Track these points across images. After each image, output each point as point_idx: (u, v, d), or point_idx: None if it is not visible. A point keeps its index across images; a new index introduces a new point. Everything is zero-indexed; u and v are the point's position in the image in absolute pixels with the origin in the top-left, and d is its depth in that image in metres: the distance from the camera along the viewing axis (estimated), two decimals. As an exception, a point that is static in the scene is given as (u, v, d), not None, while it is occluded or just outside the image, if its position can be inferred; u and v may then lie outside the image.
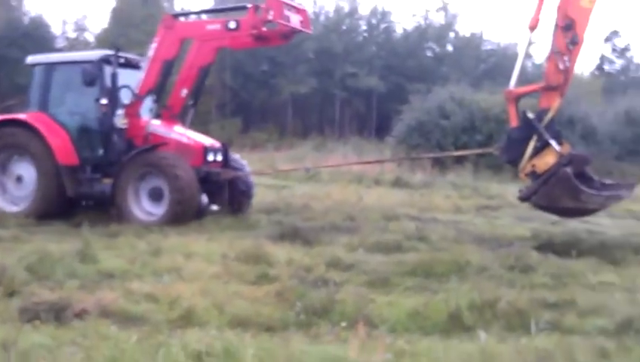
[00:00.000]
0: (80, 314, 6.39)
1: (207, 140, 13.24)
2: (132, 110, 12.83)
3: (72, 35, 57.83)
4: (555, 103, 10.91)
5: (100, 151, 13.01)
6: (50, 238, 10.52)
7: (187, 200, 11.87)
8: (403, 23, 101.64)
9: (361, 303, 6.95)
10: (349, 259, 9.27)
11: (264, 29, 12.37)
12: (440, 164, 24.69)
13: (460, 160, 24.98)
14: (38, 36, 51.71)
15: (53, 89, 13.35)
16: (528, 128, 10.95)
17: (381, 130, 48.82)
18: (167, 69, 12.82)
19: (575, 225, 13.32)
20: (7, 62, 47.27)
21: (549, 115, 10.90)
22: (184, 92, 13.18)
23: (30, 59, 13.92)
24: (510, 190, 17.67)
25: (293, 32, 12.62)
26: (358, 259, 9.42)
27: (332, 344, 5.85)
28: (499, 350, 5.47)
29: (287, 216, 13.72)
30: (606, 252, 10.51)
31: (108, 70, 12.79)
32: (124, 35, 48.67)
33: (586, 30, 10.78)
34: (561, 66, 10.70)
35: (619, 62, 55.39)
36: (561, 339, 5.81)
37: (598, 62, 52.70)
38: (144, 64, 12.89)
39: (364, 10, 69.31)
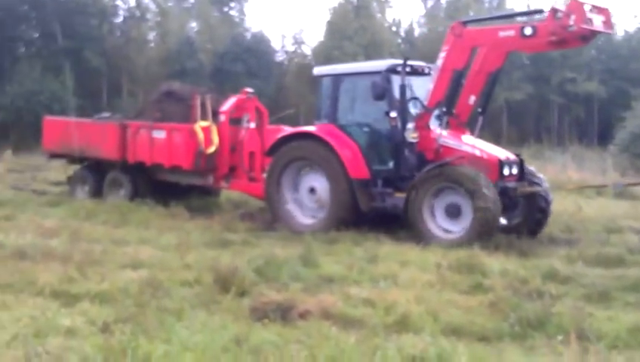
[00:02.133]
0: (304, 315, 6.87)
1: (501, 152, 12.34)
2: (421, 123, 12.36)
3: (291, 48, 60.56)
4: None
5: (391, 165, 12.57)
6: (275, 243, 11.26)
7: (491, 219, 11.09)
8: (625, 24, 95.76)
9: (578, 317, 6.79)
10: (567, 272, 9.08)
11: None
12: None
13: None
14: (259, 51, 54.61)
15: (341, 100, 13.15)
16: None
17: (603, 137, 46.38)
18: (457, 78, 12.19)
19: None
20: (231, 76, 50.47)
21: None
22: (472, 99, 12.43)
23: (317, 70, 13.89)
24: None
25: (594, 33, 11.60)
26: (576, 271, 9.19)
27: (546, 357, 5.84)
28: None
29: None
30: None
31: (396, 80, 12.33)
32: (338, 48, 50.21)
33: None
34: None
35: None
36: None
37: None
38: (433, 74, 12.40)
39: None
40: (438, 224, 11.64)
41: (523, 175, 12.30)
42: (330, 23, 55.01)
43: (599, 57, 60.40)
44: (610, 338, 6.44)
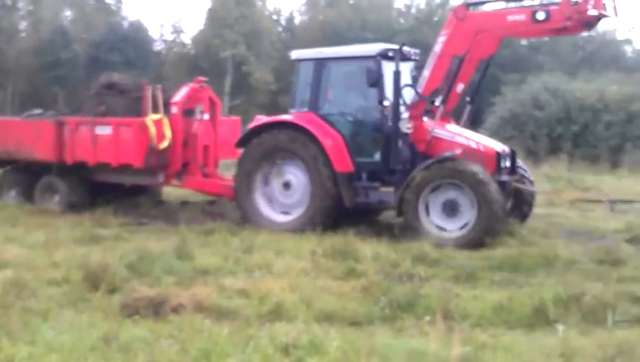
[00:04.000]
0: (176, 309, 6.78)
1: (496, 144, 11.80)
2: (416, 112, 11.61)
3: (170, 37, 59.36)
4: None
5: (377, 157, 11.76)
6: (150, 237, 11.02)
7: (499, 214, 10.56)
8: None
9: (445, 297, 7.07)
10: (436, 254, 9.40)
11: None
12: (533, 156, 24.28)
13: (554, 150, 24.46)
14: (137, 40, 53.27)
15: (323, 87, 12.17)
16: None
17: (473, 122, 48.03)
18: (457, 65, 11.46)
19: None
20: (108, 65, 49.05)
21: None
22: (460, 87, 11.77)
23: (296, 54, 12.79)
24: (607, 182, 17.28)
25: (599, 19, 11.05)
26: (445, 254, 9.53)
27: (415, 337, 6.02)
28: (580, 343, 5.52)
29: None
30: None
31: (387, 66, 11.60)
32: (219, 37, 49.69)
33: None
34: None
35: None
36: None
37: None
38: (430, 60, 11.62)
39: (455, 1, 68.11)
40: (432, 221, 10.98)
41: (515, 168, 11.94)
42: (210, 11, 54.26)
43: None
44: (475, 316, 6.72)
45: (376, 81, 11.33)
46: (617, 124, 26.34)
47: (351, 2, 55.62)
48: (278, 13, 61.82)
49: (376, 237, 10.38)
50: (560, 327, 5.97)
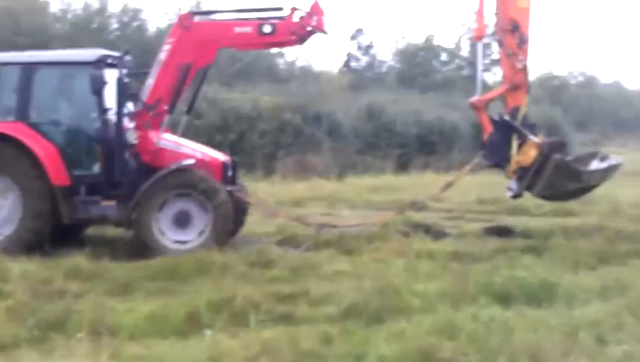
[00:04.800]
0: None
1: (219, 154, 11.82)
2: (140, 122, 11.19)
3: None
4: (523, 100, 11.76)
5: (96, 169, 11.10)
6: None
7: (228, 224, 10.80)
8: (156, 21, 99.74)
9: (98, 312, 6.91)
10: (91, 268, 9.11)
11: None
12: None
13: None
14: None
15: (33, 94, 11.11)
16: (506, 129, 11.64)
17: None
18: (184, 74, 11.25)
19: (318, 219, 13.98)
20: None
21: (522, 112, 11.71)
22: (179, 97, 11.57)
23: None
24: (260, 187, 18.19)
25: (311, 34, 11.48)
26: (101, 267, 9.27)
27: (65, 358, 5.80)
28: (228, 345, 5.73)
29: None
30: (343, 242, 11.27)
31: (108, 73, 11.06)
32: None
33: (529, 27, 11.66)
34: (518, 65, 11.59)
35: (364, 59, 58.45)
36: (287, 329, 6.19)
37: (345, 59, 55.24)
38: (154, 68, 11.34)
39: (114, 8, 67.14)
40: (166, 234, 10.72)
41: (235, 177, 11.96)
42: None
43: (135, 52, 61.78)
44: (128, 328, 6.66)
45: (99, 89, 10.81)
46: (270, 132, 27.90)
47: (1, 5, 51.98)
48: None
49: (26, 255, 9.72)
50: (207, 332, 6.16)
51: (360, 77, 51.93)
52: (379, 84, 47.74)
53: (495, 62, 36.79)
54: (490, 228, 12.72)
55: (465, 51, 54.21)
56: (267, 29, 11.19)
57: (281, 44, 11.97)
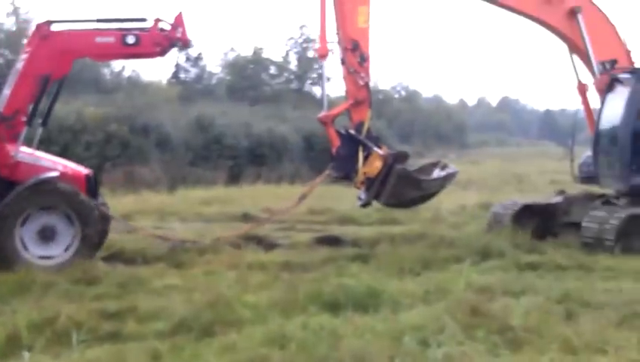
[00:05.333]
0: None
1: (80, 167, 11.45)
2: None
3: None
4: (366, 115, 12.06)
5: None
6: None
7: (96, 238, 10.57)
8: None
9: None
10: None
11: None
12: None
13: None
14: None
15: None
16: (352, 142, 11.94)
17: None
18: (43, 85, 10.72)
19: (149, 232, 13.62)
20: None
21: (366, 126, 12.01)
22: (30, 107, 10.86)
23: None
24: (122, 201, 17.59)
25: (172, 46, 11.46)
26: None
27: None
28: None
29: None
30: (173, 256, 11.11)
31: None
32: None
33: (369, 46, 12.03)
34: (360, 82, 12.01)
35: (193, 71, 57.94)
36: (113, 348, 5.99)
37: (174, 70, 54.48)
38: (11, 78, 10.86)
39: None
40: (29, 250, 10.23)
41: (97, 192, 11.55)
42: None
43: None
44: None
45: None
46: (96, 144, 27.08)
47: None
48: None
49: None
50: (26, 354, 5.84)
51: (189, 88, 51.52)
52: (208, 95, 47.59)
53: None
54: (321, 238, 13.04)
55: (293, 65, 55.25)
56: (131, 39, 11.10)
57: (143, 55, 11.74)
